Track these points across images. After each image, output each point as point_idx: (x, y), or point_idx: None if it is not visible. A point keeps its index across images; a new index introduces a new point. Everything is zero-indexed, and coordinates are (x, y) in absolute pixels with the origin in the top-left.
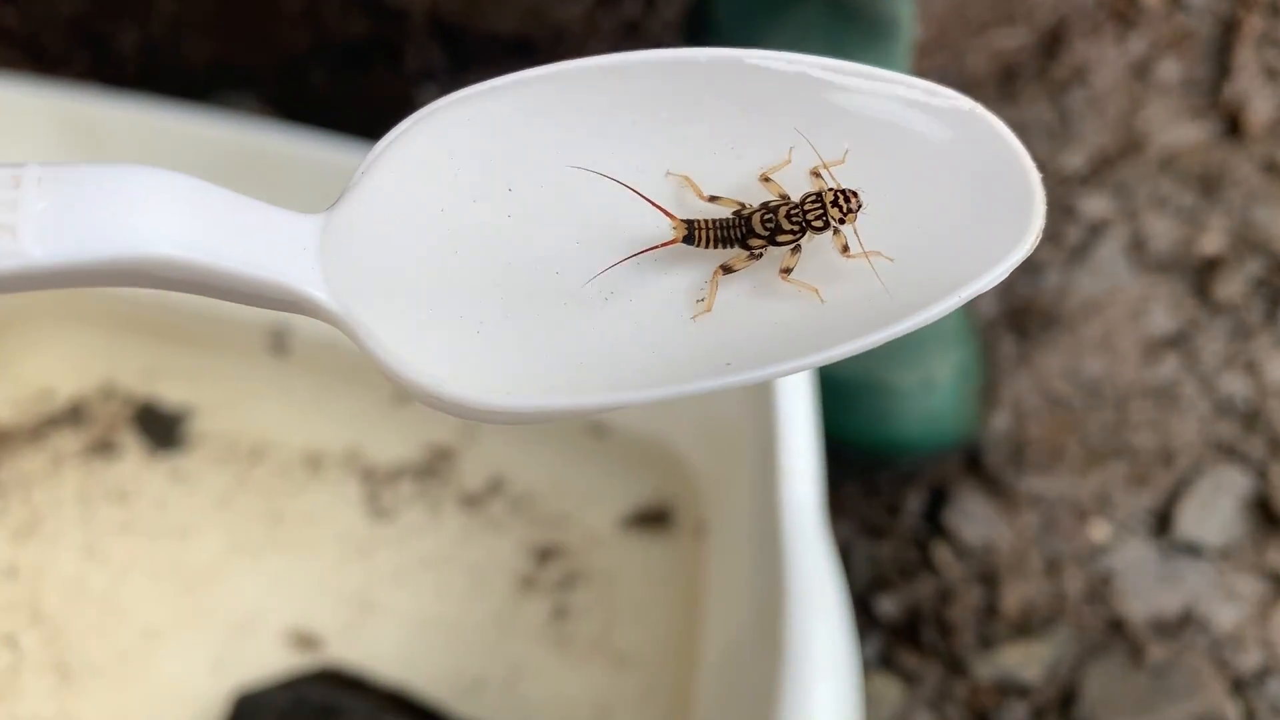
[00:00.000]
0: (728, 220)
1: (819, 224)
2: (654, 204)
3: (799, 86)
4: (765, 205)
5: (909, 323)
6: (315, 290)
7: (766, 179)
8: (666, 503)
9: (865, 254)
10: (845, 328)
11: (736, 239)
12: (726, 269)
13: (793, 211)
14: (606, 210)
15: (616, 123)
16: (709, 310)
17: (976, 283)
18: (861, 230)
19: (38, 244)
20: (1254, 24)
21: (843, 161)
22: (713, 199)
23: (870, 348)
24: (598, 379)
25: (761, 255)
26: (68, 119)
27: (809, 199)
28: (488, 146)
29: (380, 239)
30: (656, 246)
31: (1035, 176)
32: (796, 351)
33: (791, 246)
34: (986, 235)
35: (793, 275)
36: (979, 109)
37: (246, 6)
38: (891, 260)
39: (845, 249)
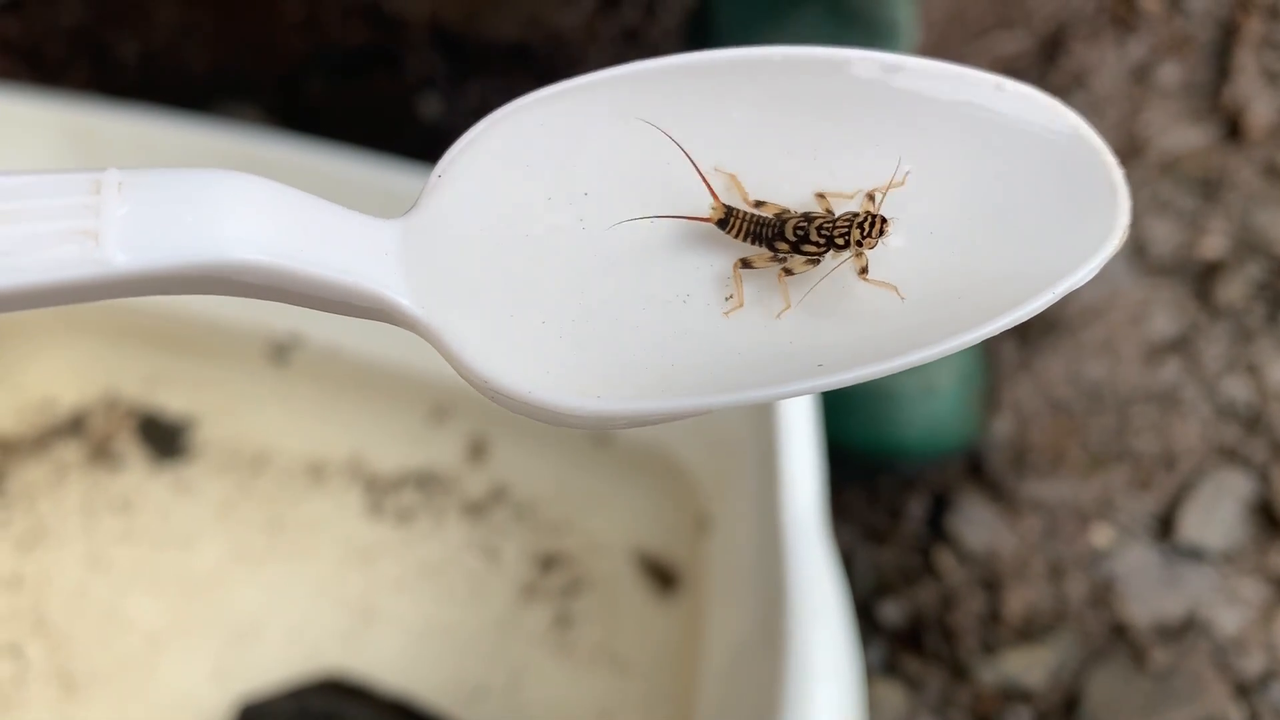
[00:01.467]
0: (766, 219)
1: (841, 242)
2: (704, 179)
3: (873, 82)
4: (806, 215)
5: (1005, 320)
6: (399, 296)
7: (821, 195)
8: (673, 559)
9: (881, 284)
10: (935, 327)
11: (766, 239)
12: (746, 264)
13: (824, 226)
14: (680, 212)
15: (690, 122)
16: (741, 305)
17: (1069, 278)
18: (941, 231)
19: (121, 250)
20: (1253, 27)
21: (903, 183)
22: (758, 204)
23: (964, 348)
24: (686, 381)
25: (785, 260)
26: (69, 128)
27: (843, 217)
28: (563, 149)
29: (458, 243)
30: (690, 218)
31: (1118, 172)
32: (887, 352)
33: (810, 258)
34: (1072, 231)
35: (791, 283)
36: (1059, 104)
37: (246, 16)
38: (903, 299)
39: (863, 271)
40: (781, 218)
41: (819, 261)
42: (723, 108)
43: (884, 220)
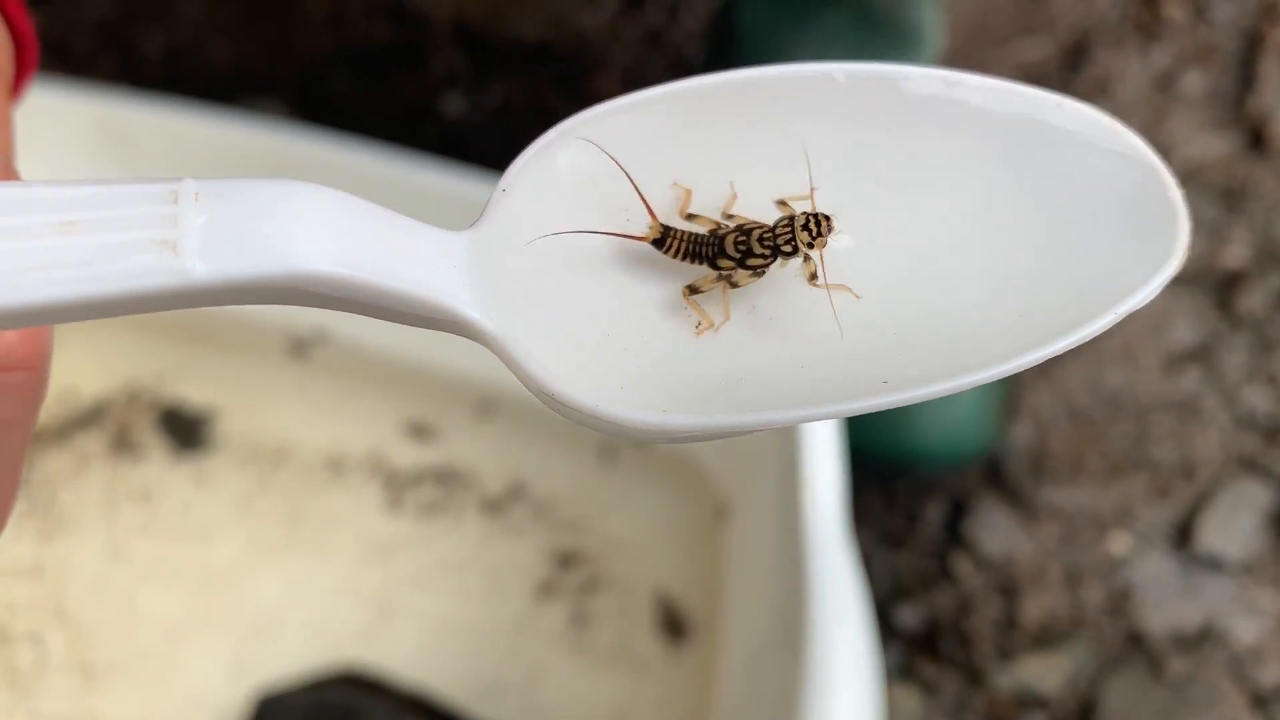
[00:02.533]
0: (702, 236)
1: (788, 249)
2: (643, 200)
3: (930, 99)
4: (740, 227)
5: (1069, 339)
6: (469, 309)
7: (783, 203)
8: (685, 610)
9: (829, 286)
10: (1001, 344)
11: (707, 257)
12: (693, 289)
13: (765, 235)
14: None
15: (747, 136)
16: (711, 328)
17: (1131, 299)
18: (1000, 249)
19: (200, 260)
20: (1278, 37)
21: (818, 189)
22: (690, 217)
23: (1029, 366)
24: (752, 396)
25: (730, 277)
26: (98, 121)
27: (782, 223)
28: (627, 162)
29: (522, 256)
30: (624, 236)
31: (1177, 192)
32: (953, 370)
33: (755, 270)
34: (1132, 251)
35: (759, 310)
36: (1117, 124)
37: (270, 11)
38: (858, 298)
39: (813, 277)
40: (718, 234)
41: (764, 273)
42: (785, 123)
43: (827, 218)
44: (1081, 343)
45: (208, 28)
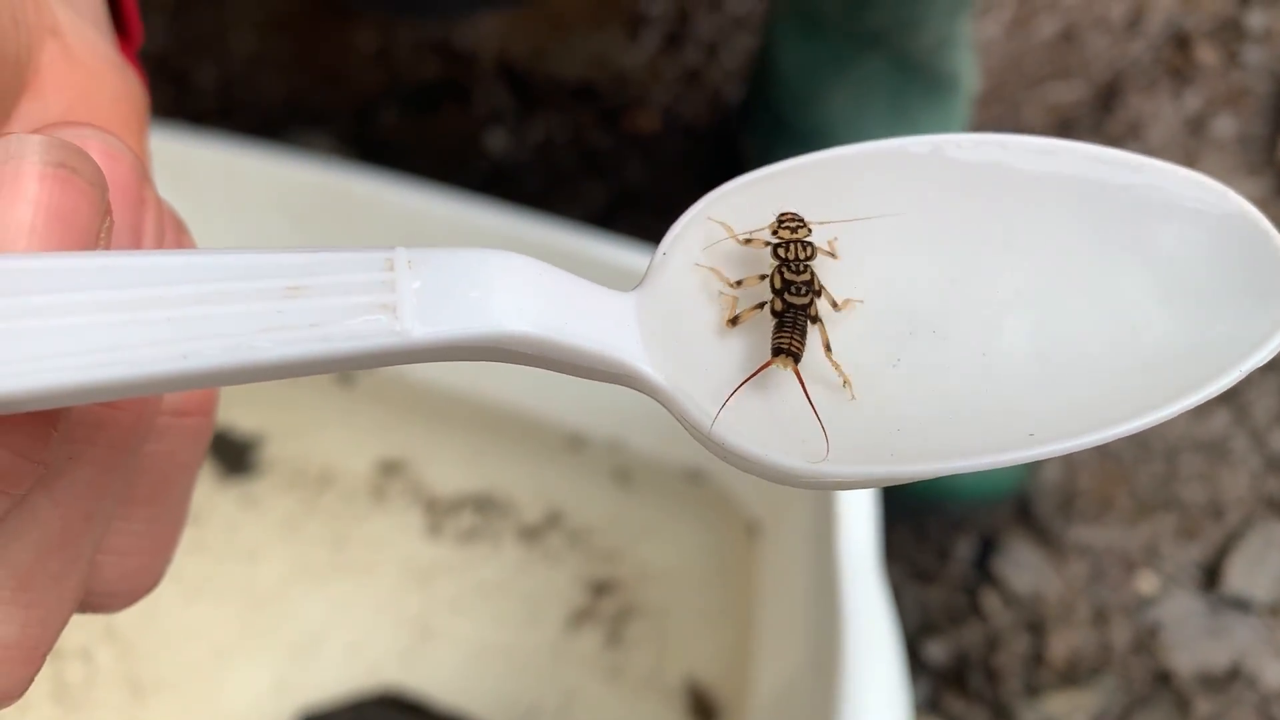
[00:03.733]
0: (788, 320)
1: (804, 253)
2: (755, 371)
3: (1038, 173)
4: (773, 289)
5: (1196, 397)
6: (644, 365)
7: (749, 240)
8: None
9: (831, 245)
10: (1132, 403)
11: (805, 321)
12: (828, 347)
13: (790, 263)
14: (881, 286)
15: (886, 208)
16: (852, 388)
17: (1251, 358)
18: (1124, 316)
19: (417, 322)
20: None
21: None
22: (733, 321)
23: (1157, 424)
24: (907, 446)
25: (820, 306)
26: (157, 154)
27: (779, 249)
28: (755, 226)
29: (683, 315)
30: (803, 387)
31: None
32: (1092, 425)
33: (818, 287)
34: (1247, 311)
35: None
36: (1221, 186)
37: (321, 48)
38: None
39: (833, 254)
40: (777, 310)
41: (818, 282)
42: (918, 188)
43: (788, 213)
44: (1208, 399)
45: (260, 62)
